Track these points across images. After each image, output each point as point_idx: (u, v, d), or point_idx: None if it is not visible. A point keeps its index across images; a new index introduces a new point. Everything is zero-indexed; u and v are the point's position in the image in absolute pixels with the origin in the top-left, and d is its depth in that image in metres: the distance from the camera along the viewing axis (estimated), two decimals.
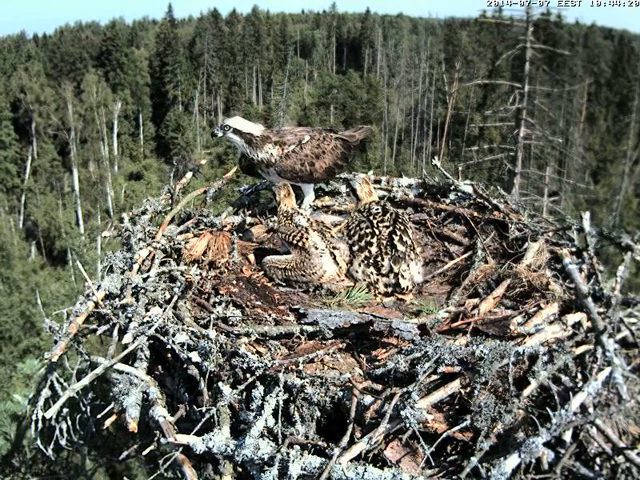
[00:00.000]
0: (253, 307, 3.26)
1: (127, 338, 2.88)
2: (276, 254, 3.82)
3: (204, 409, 2.50)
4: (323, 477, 2.17)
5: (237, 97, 67.99)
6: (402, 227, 3.74)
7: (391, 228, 3.72)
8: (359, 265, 3.65)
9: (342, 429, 2.40)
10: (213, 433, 2.38)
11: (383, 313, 3.25)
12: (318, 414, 2.57)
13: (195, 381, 2.78)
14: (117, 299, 3.23)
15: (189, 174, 4.43)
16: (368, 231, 3.72)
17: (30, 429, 3.13)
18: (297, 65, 72.94)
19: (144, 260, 3.58)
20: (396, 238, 3.67)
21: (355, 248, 3.71)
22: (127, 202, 48.27)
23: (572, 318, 3.02)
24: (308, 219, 3.80)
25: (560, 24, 35.58)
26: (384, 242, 3.67)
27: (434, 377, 2.58)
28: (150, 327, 2.92)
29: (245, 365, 2.60)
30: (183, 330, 2.89)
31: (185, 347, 2.81)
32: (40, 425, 2.99)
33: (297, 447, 2.30)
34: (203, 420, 2.43)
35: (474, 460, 2.25)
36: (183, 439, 2.39)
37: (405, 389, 2.40)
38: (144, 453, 2.63)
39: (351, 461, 2.27)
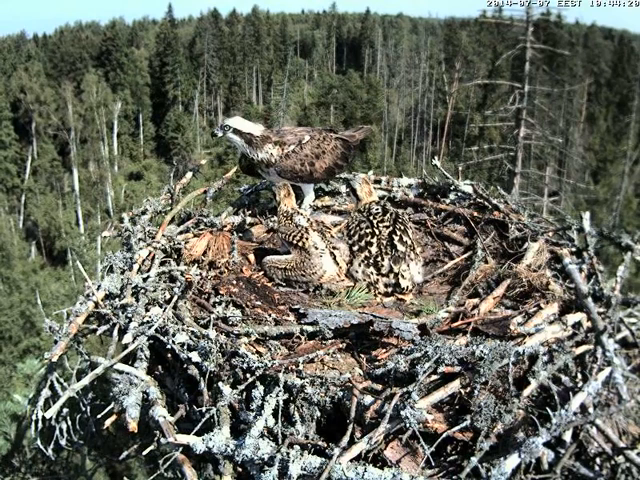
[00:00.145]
0: (253, 307, 3.26)
1: (127, 338, 2.88)
2: (276, 254, 3.82)
3: (204, 409, 2.50)
4: (323, 477, 2.17)
5: (237, 97, 67.99)
6: (402, 227, 3.74)
7: (391, 228, 3.72)
8: (359, 265, 3.65)
9: (342, 429, 2.40)
10: (213, 433, 2.38)
11: (383, 313, 3.25)
12: (318, 414, 2.57)
13: (195, 381, 2.78)
14: (117, 299, 3.23)
15: (189, 174, 4.43)
16: (368, 231, 3.72)
17: (30, 429, 3.13)
18: (297, 65, 72.94)
19: (144, 260, 3.58)
20: (396, 238, 3.67)
21: (355, 248, 3.71)
22: (127, 202, 48.28)
23: (572, 318, 3.02)
24: (308, 219, 3.80)
25: (560, 24, 35.59)
26: (384, 242, 3.67)
27: (434, 377, 2.58)
28: (150, 327, 2.92)
29: (245, 365, 2.60)
30: (183, 330, 2.89)
31: (185, 347, 2.81)
32: (40, 425, 2.99)
33: (297, 447, 2.30)
34: (203, 420, 2.43)
35: (474, 460, 2.25)
36: (183, 439, 2.39)
37: (405, 389, 2.40)
38: (144, 453, 2.63)
39: (351, 461, 2.27)
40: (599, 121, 59.40)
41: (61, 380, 3.10)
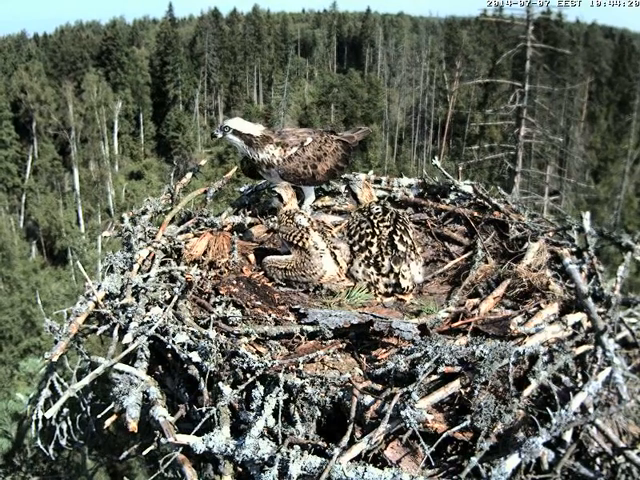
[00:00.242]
0: (253, 307, 3.26)
1: (127, 338, 2.88)
2: (276, 254, 3.82)
3: (204, 409, 2.50)
4: (323, 477, 2.17)
5: (238, 96, 67.98)
6: (402, 227, 3.74)
7: (391, 228, 3.71)
8: (359, 265, 3.65)
9: (342, 429, 2.41)
10: (213, 433, 2.38)
11: (383, 313, 3.25)
12: (318, 414, 2.57)
13: (195, 381, 2.78)
14: (117, 299, 3.23)
15: (189, 174, 4.43)
16: (368, 231, 3.72)
17: (31, 428, 3.13)
18: (298, 64, 72.90)
19: (144, 260, 3.58)
20: (396, 238, 3.67)
21: (355, 248, 3.71)
22: (128, 201, 48.31)
23: (572, 318, 3.02)
24: (309, 219, 3.80)
25: (560, 23, 35.53)
26: (384, 242, 3.67)
27: (434, 377, 2.58)
28: (150, 327, 2.92)
29: (245, 365, 2.60)
30: (183, 330, 2.90)
31: (185, 347, 2.81)
32: (40, 425, 2.99)
33: (297, 447, 2.30)
34: (203, 420, 2.44)
35: (474, 460, 2.25)
36: (183, 439, 2.39)
37: (405, 389, 2.40)
38: (144, 453, 2.63)
39: (351, 461, 2.27)
40: (600, 120, 59.35)
41: (61, 380, 3.10)
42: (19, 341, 29.56)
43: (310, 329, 2.92)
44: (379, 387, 2.59)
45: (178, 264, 3.63)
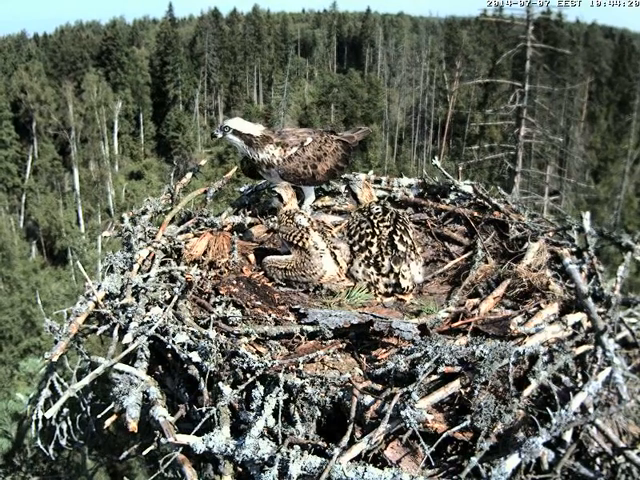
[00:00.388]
0: (253, 307, 3.26)
1: (127, 338, 2.88)
2: (276, 254, 3.82)
3: (204, 409, 2.50)
4: (323, 477, 2.17)
5: (238, 96, 67.98)
6: (402, 227, 3.74)
7: (391, 228, 3.71)
8: (359, 265, 3.65)
9: (342, 429, 2.41)
10: (213, 433, 2.38)
11: (383, 313, 3.25)
12: (318, 414, 2.57)
13: (195, 381, 2.78)
14: (117, 299, 3.23)
15: (189, 174, 4.43)
16: (368, 231, 3.72)
17: (31, 428, 3.13)
18: (298, 64, 72.90)
19: (144, 260, 3.58)
20: (396, 238, 3.67)
21: (355, 248, 3.71)
22: (128, 201, 48.31)
23: (572, 318, 3.02)
24: (309, 219, 3.80)
25: (560, 23, 35.53)
26: (384, 242, 3.67)
27: (434, 377, 2.58)
28: (150, 327, 2.92)
29: (245, 365, 2.60)
30: (183, 330, 2.90)
31: (185, 347, 2.81)
32: (40, 425, 2.99)
33: (297, 447, 2.30)
34: (203, 420, 2.44)
35: (474, 460, 2.25)
36: (183, 439, 2.39)
37: (405, 389, 2.40)
38: (144, 453, 2.63)
39: (351, 461, 2.27)
40: (600, 120, 59.35)
41: (61, 380, 3.10)
42: (19, 341, 29.55)
43: (310, 329, 2.92)
44: (379, 387, 2.59)
45: (178, 264, 3.63)
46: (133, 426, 2.51)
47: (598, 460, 2.54)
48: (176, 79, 63.17)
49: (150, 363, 2.94)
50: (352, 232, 3.78)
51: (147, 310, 3.10)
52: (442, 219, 4.34)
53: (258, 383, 2.51)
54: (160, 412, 2.58)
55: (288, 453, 2.24)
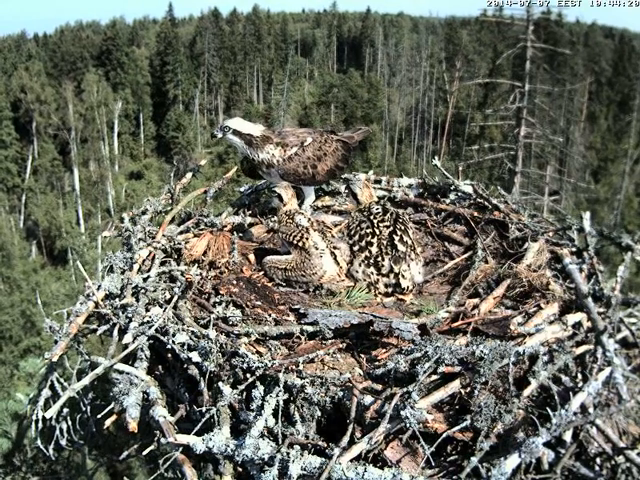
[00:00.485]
0: (253, 307, 3.26)
1: (127, 338, 2.88)
2: (276, 254, 3.82)
3: (204, 409, 2.50)
4: (323, 477, 2.17)
5: (238, 96, 67.98)
6: (402, 227, 3.74)
7: (391, 228, 3.71)
8: (359, 265, 3.65)
9: (342, 429, 2.41)
10: (213, 433, 2.38)
11: (383, 313, 3.25)
12: (318, 414, 2.57)
13: (195, 381, 2.78)
14: (117, 299, 3.23)
15: (189, 174, 4.43)
16: (368, 231, 3.72)
17: (31, 428, 3.13)
18: (298, 64, 72.90)
19: (144, 260, 3.58)
20: (396, 238, 3.67)
21: (355, 248, 3.71)
22: (128, 201, 48.31)
23: (572, 318, 3.02)
24: (309, 219, 3.80)
25: (560, 23, 35.52)
26: (384, 242, 3.67)
27: (434, 377, 2.58)
28: (150, 327, 2.92)
29: (245, 365, 2.60)
30: (183, 330, 2.90)
31: (185, 347, 2.81)
32: (40, 425, 2.99)
33: (297, 447, 2.30)
34: (203, 420, 2.44)
35: (474, 460, 2.25)
36: (183, 439, 2.39)
37: (405, 389, 2.40)
38: (144, 453, 2.63)
39: (351, 461, 2.27)
40: (600, 120, 59.35)
41: (61, 380, 3.10)
42: (19, 341, 29.55)
43: (310, 329, 2.92)
44: (379, 387, 2.59)
45: (178, 264, 3.63)
46: (133, 426, 2.51)
47: (598, 460, 2.54)
48: (176, 79, 63.17)
49: (150, 363, 2.94)
50: (352, 232, 3.78)
51: (147, 310, 3.10)
52: (442, 219, 4.34)
53: (258, 383, 2.51)
54: (160, 412, 2.58)
55: (288, 453, 2.24)
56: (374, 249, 3.65)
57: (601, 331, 2.80)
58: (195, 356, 2.74)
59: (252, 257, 3.96)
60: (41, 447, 3.11)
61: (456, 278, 3.68)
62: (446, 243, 4.14)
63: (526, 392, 2.56)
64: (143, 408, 2.62)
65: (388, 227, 3.72)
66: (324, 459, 2.25)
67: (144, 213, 4.03)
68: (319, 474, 2.19)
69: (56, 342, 2.96)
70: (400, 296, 3.56)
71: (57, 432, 3.07)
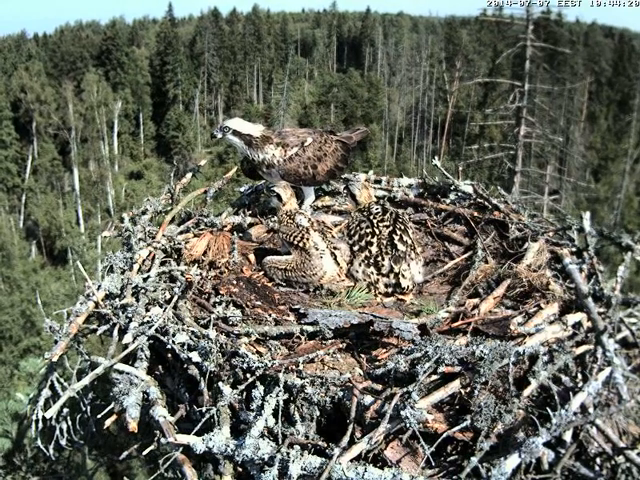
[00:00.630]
0: (253, 307, 3.26)
1: (127, 338, 2.88)
2: (276, 254, 3.82)
3: (204, 409, 2.50)
4: (323, 477, 2.17)
5: (238, 96, 67.98)
6: (402, 227, 3.74)
7: (391, 228, 3.71)
8: (359, 265, 3.65)
9: (342, 429, 2.41)
10: (213, 433, 2.38)
11: (383, 313, 3.25)
12: (318, 414, 2.57)
13: (195, 381, 2.78)
14: (117, 299, 3.23)
15: (189, 174, 4.43)
16: (368, 231, 3.72)
17: (31, 428, 3.13)
18: (298, 64, 72.89)
19: (144, 260, 3.58)
20: (396, 238, 3.67)
21: (355, 248, 3.71)
22: (127, 201, 48.32)
23: (572, 318, 3.02)
24: (309, 219, 3.80)
25: (560, 22, 35.49)
26: (384, 242, 3.67)
27: (434, 377, 2.58)
28: (150, 327, 2.92)
29: (245, 365, 2.60)
30: (183, 330, 2.89)
31: (185, 347, 2.81)
32: (40, 425, 2.99)
33: (297, 447, 2.30)
34: (203, 420, 2.44)
35: (474, 460, 2.25)
36: (183, 439, 2.39)
37: (405, 389, 2.40)
38: (144, 453, 2.63)
39: (351, 461, 2.27)
40: (600, 119, 59.35)
41: (61, 380, 3.10)
42: (19, 341, 29.57)
43: (310, 329, 2.92)
44: (379, 387, 2.59)
45: (178, 264, 3.62)
46: (133, 426, 2.51)
47: (598, 460, 2.54)
48: (176, 79, 63.16)
49: (150, 363, 2.94)
50: (352, 232, 3.78)
51: (147, 310, 3.10)
52: (442, 219, 4.34)
53: (258, 383, 2.51)
54: (160, 412, 2.58)
55: (288, 453, 2.24)
56: (374, 249, 3.65)
57: (601, 331, 2.80)
58: (195, 356, 2.74)
59: (252, 257, 3.96)
60: (41, 447, 3.11)
61: (456, 278, 3.68)
62: (446, 243, 4.14)
63: (526, 392, 2.56)
64: (143, 408, 2.62)
65: (388, 227, 3.72)
66: (324, 459, 2.25)
67: (144, 213, 4.03)
68: (319, 474, 2.19)
69: (56, 342, 2.96)
70: (400, 296, 3.56)
71: (57, 432, 3.07)
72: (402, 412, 2.31)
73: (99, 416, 2.76)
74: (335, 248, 3.69)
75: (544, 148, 27.20)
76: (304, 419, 2.56)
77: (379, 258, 3.62)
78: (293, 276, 3.59)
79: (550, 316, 3.06)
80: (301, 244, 3.64)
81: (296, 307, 3.27)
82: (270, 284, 3.64)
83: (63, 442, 3.08)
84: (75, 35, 68.59)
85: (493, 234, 4.03)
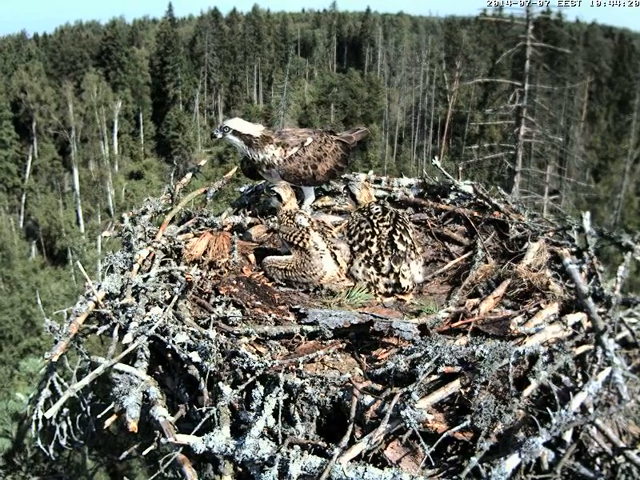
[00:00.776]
0: (253, 307, 3.26)
1: (127, 338, 2.88)
2: (276, 254, 3.82)
3: (204, 409, 2.50)
4: (323, 477, 2.17)
5: (238, 96, 67.98)
6: (402, 227, 3.74)
7: (391, 228, 3.71)
8: (359, 265, 3.65)
9: (342, 429, 2.41)
10: (213, 433, 2.38)
11: (383, 313, 3.25)
12: (318, 414, 2.57)
13: (195, 381, 2.78)
14: (117, 299, 3.23)
15: (189, 174, 4.43)
16: (368, 231, 3.72)
17: (31, 428, 3.14)
18: (298, 64, 72.89)
19: (144, 260, 3.58)
20: (396, 238, 3.67)
21: (355, 248, 3.71)
22: (127, 201, 48.33)
23: (572, 318, 3.02)
24: (309, 219, 3.80)
25: (560, 22, 35.47)
26: (384, 242, 3.67)
27: (434, 377, 2.58)
28: (150, 327, 2.92)
29: (245, 365, 2.60)
30: (183, 330, 2.90)
31: (185, 347, 2.81)
32: (40, 425, 2.99)
33: (297, 447, 2.30)
34: (203, 420, 2.44)
35: (474, 460, 2.25)
36: (183, 439, 2.39)
37: (405, 389, 2.40)
38: (144, 453, 2.63)
39: (351, 461, 2.27)
40: (600, 119, 59.35)
41: (61, 380, 3.10)
42: (19, 341, 29.57)
43: (310, 329, 2.92)
44: (379, 387, 2.59)
45: (178, 264, 3.62)
46: (133, 426, 2.51)
47: (598, 460, 2.54)
48: (176, 79, 63.16)
49: (150, 363, 2.94)
50: (352, 232, 3.78)
51: (147, 310, 3.10)
52: (442, 219, 4.34)
53: (258, 383, 2.51)
54: (160, 412, 2.58)
55: (288, 453, 2.24)
56: (374, 249, 3.65)
57: (601, 331, 2.80)
58: (195, 356, 2.74)
59: (252, 257, 3.96)
60: (41, 447, 3.11)
61: (456, 278, 3.68)
62: (446, 243, 4.14)
63: (526, 392, 2.56)
64: (143, 408, 2.62)
65: (388, 227, 3.72)
66: (324, 459, 2.25)
67: (144, 213, 4.02)
68: (319, 474, 2.19)
69: (56, 342, 2.96)
70: (400, 296, 3.56)
71: (57, 432, 3.07)
72: (402, 412, 2.31)
73: (99, 416, 2.76)
74: (335, 248, 3.69)
75: (544, 148, 27.20)
76: (304, 419, 2.56)
77: (379, 258, 3.62)
78: (293, 276, 3.59)
79: (550, 316, 3.06)
80: (301, 244, 3.64)
81: (296, 307, 3.27)
82: (270, 284, 3.64)
83: (63, 442, 3.08)
84: (75, 35, 68.59)
85: (493, 234, 4.03)
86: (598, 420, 2.47)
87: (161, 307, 3.16)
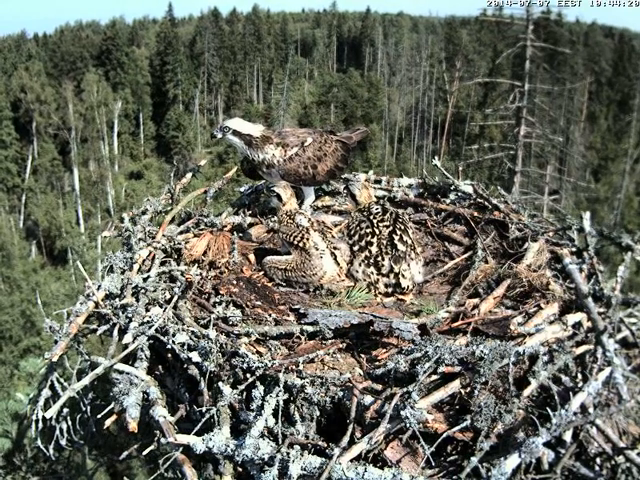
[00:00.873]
0: (253, 307, 3.26)
1: (127, 338, 2.88)
2: (276, 254, 3.82)
3: (204, 409, 2.50)
4: (323, 477, 2.17)
5: (238, 96, 67.98)
6: (402, 227, 3.74)
7: (391, 228, 3.71)
8: (359, 265, 3.65)
9: (342, 429, 2.41)
10: (213, 433, 2.38)
11: (383, 313, 3.25)
12: (318, 414, 2.57)
13: (195, 381, 2.78)
14: (117, 299, 3.23)
15: (189, 174, 4.43)
16: (368, 231, 3.72)
17: (31, 428, 3.14)
18: (298, 64, 72.89)
19: (144, 260, 3.58)
20: (396, 238, 3.67)
21: (355, 248, 3.71)
22: (127, 201, 48.33)
23: (572, 318, 3.02)
24: (309, 219, 3.80)
25: (560, 22, 35.47)
26: (384, 242, 3.67)
27: (434, 377, 2.58)
28: (150, 327, 2.92)
29: (245, 365, 2.60)
30: (183, 330, 2.90)
31: (185, 347, 2.81)
32: (40, 425, 2.99)
33: (297, 447, 2.30)
34: (203, 420, 2.44)
35: (474, 460, 2.25)
36: (183, 439, 2.39)
37: (405, 389, 2.40)
38: (144, 453, 2.63)
39: (351, 461, 2.27)
40: (600, 119, 59.36)
41: (61, 380, 3.10)
42: (19, 341, 29.57)
43: (310, 329, 2.92)
44: (379, 387, 2.59)
45: (178, 264, 3.62)
46: (133, 426, 2.51)
47: (598, 460, 2.54)
48: (176, 79, 63.16)
49: (150, 363, 2.94)
50: (352, 232, 3.78)
51: (147, 310, 3.10)
52: (442, 219, 4.34)
53: (258, 383, 2.51)
54: (160, 412, 2.58)
55: (288, 453, 2.24)
56: (374, 249, 3.65)
57: (601, 331, 2.80)
58: (195, 356, 2.74)
59: (252, 257, 3.96)
60: (41, 447, 3.11)
61: (456, 278, 3.68)
62: (446, 243, 4.14)
63: (526, 392, 2.56)
64: (143, 408, 2.62)
65: (388, 227, 3.72)
66: (324, 459, 2.25)
67: (144, 213, 4.02)
68: (319, 474, 2.19)
69: (56, 342, 2.96)
70: (400, 296, 3.56)
71: (57, 432, 3.07)
72: (402, 412, 2.31)
73: (99, 416, 2.76)
74: (335, 248, 3.69)
75: (544, 148, 27.20)
76: (304, 419, 2.56)
77: (379, 258, 3.62)
78: (293, 276, 3.59)
79: (550, 316, 3.06)
80: (301, 244, 3.64)
81: (296, 307, 3.27)
82: (270, 284, 3.64)
83: (63, 442, 3.08)
84: (75, 35, 68.59)
85: (493, 234, 4.03)
86: (598, 420, 2.47)
87: (161, 307, 3.16)
